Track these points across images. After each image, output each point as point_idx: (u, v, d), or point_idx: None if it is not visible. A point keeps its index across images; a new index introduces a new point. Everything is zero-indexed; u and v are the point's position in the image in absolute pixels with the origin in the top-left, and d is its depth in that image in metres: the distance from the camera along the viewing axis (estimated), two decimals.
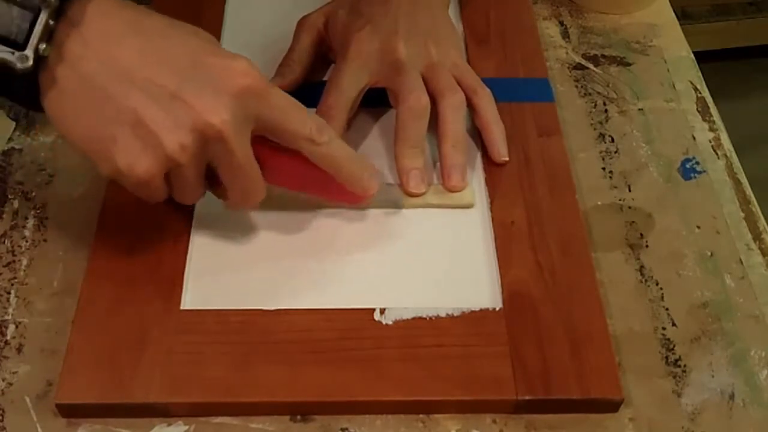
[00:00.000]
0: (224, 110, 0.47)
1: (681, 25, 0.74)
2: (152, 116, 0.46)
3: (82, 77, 0.46)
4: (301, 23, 0.65)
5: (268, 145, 0.51)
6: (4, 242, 0.57)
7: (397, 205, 0.58)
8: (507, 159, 0.60)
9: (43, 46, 0.44)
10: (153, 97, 0.46)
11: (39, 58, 0.45)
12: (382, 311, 0.52)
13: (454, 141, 0.59)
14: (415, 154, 0.58)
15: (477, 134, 0.62)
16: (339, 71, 0.60)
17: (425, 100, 0.58)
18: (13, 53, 0.44)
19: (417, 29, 0.61)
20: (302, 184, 0.55)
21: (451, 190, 0.58)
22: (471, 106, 0.61)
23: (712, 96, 0.68)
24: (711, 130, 0.66)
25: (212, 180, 0.51)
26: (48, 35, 0.45)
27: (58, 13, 0.45)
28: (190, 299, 0.53)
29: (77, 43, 0.46)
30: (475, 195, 0.59)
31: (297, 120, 0.50)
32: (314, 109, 0.60)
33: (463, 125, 0.59)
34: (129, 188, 0.49)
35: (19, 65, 0.44)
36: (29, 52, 0.44)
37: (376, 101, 0.63)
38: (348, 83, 0.60)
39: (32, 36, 0.44)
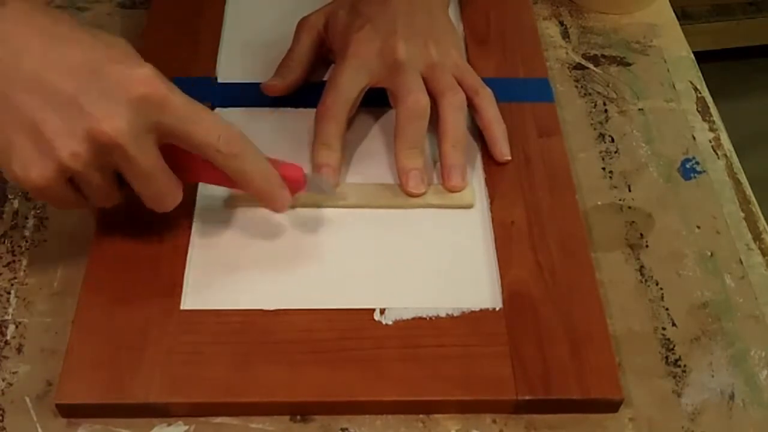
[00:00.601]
0: (119, 118, 0.46)
1: (681, 25, 0.74)
2: (47, 122, 0.46)
3: None
4: (301, 24, 0.65)
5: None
6: (4, 242, 0.57)
7: (396, 205, 0.58)
8: (509, 158, 0.60)
9: None
10: (50, 104, 0.46)
11: None
12: (382, 311, 0.52)
13: (455, 141, 0.59)
14: (414, 155, 0.58)
15: (477, 134, 0.62)
16: (338, 71, 0.60)
17: (425, 100, 0.58)
18: None
19: (416, 29, 0.61)
20: (223, 181, 0.53)
21: (451, 191, 0.58)
22: (472, 106, 0.61)
23: (712, 96, 0.68)
24: (711, 130, 0.66)
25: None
26: None
27: None
28: (190, 299, 0.53)
29: None
30: (475, 195, 0.59)
31: (203, 129, 0.49)
32: (314, 110, 0.61)
33: (463, 125, 0.59)
34: (31, 195, 0.48)
35: None
36: None
37: (376, 101, 0.63)
38: (347, 83, 0.60)
39: None
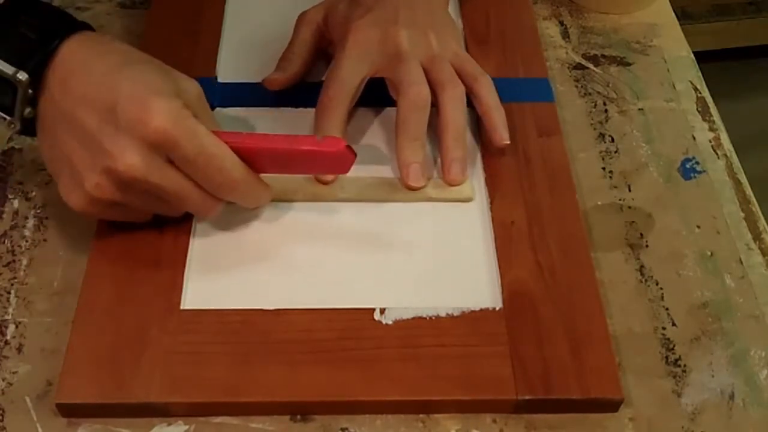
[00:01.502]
0: (133, 155, 0.48)
1: (681, 25, 0.74)
2: (77, 156, 0.50)
3: (47, 126, 0.52)
4: (301, 18, 0.65)
5: (233, 137, 0.51)
6: (4, 242, 0.57)
7: (395, 199, 0.58)
8: (508, 142, 0.60)
9: (27, 110, 0.51)
10: (79, 139, 0.49)
11: (24, 119, 0.51)
12: (382, 311, 0.52)
13: (455, 134, 0.59)
14: (415, 148, 0.58)
15: (477, 133, 0.62)
16: (339, 62, 0.60)
17: (426, 93, 0.58)
18: (5, 119, 0.52)
19: (417, 19, 0.61)
20: (280, 165, 0.54)
21: (451, 184, 0.59)
22: (472, 93, 0.61)
23: (712, 96, 0.68)
24: (711, 130, 0.66)
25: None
26: (29, 102, 0.51)
27: (34, 84, 0.50)
28: (190, 299, 0.53)
29: (47, 100, 0.51)
30: (475, 189, 0.59)
31: (207, 174, 0.50)
32: (312, 109, 0.61)
33: (463, 118, 0.59)
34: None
35: (12, 127, 0.52)
36: (16, 120, 0.51)
37: (376, 101, 0.63)
38: (348, 74, 0.60)
39: (16, 108, 0.51)
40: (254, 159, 0.52)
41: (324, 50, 0.65)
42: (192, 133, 0.49)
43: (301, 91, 0.63)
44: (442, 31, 0.62)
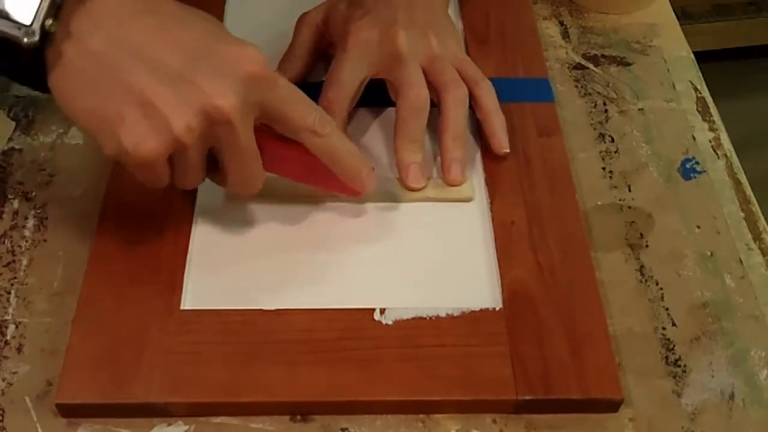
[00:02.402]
0: (232, 94, 0.47)
1: (681, 25, 0.74)
2: (161, 96, 0.46)
3: (90, 54, 0.45)
4: (301, 19, 0.65)
5: (268, 133, 0.52)
6: (4, 242, 0.57)
7: (395, 199, 0.58)
8: (508, 150, 0.60)
9: (49, 21, 0.44)
10: (161, 78, 0.46)
11: (45, 34, 0.44)
12: (382, 311, 0.52)
13: (456, 135, 0.59)
14: (414, 149, 0.58)
15: (477, 133, 0.62)
16: (339, 63, 0.60)
17: (425, 95, 0.58)
18: (19, 28, 0.44)
19: (416, 21, 0.61)
20: (300, 174, 0.55)
21: (451, 184, 0.59)
22: (472, 97, 0.61)
23: (712, 96, 0.68)
24: (711, 130, 0.66)
25: (212, 166, 0.51)
26: (54, 11, 0.44)
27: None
28: (190, 299, 0.53)
29: (84, 19, 0.45)
30: (475, 189, 0.59)
31: (301, 110, 0.51)
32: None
33: (465, 120, 0.59)
34: (132, 169, 0.48)
35: (25, 40, 0.44)
36: (36, 26, 0.44)
37: (376, 101, 0.63)
38: (348, 75, 0.60)
39: (39, 11, 0.44)
40: (277, 160, 0.53)
41: (324, 51, 0.65)
42: (279, 75, 0.50)
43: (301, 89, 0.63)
44: (442, 33, 0.62)
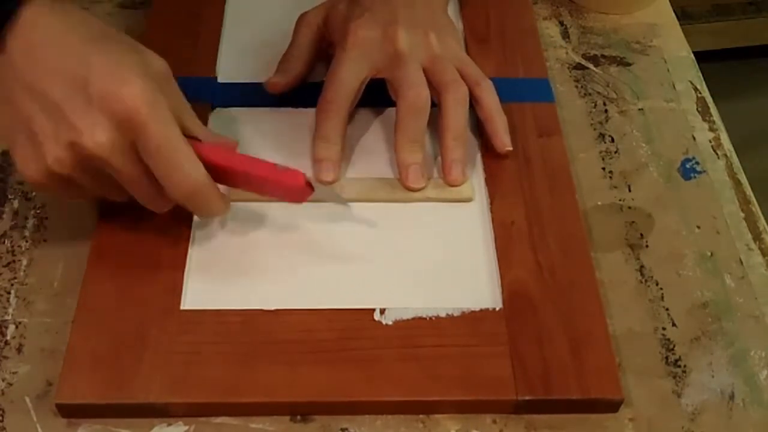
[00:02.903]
0: (102, 132, 0.47)
1: (681, 25, 0.74)
2: (39, 127, 0.47)
3: (3, 91, 0.48)
4: (301, 19, 0.65)
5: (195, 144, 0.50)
6: (4, 242, 0.57)
7: (395, 199, 0.58)
8: (510, 148, 0.60)
9: None
10: (44, 109, 0.47)
11: None
12: (382, 311, 0.52)
13: (456, 135, 0.59)
14: (414, 149, 0.58)
15: (477, 133, 0.62)
16: (338, 62, 0.60)
17: (425, 95, 0.58)
18: None
19: (417, 20, 0.61)
20: (238, 183, 0.53)
21: (452, 184, 0.59)
22: (473, 97, 0.60)
23: (712, 96, 0.68)
24: (711, 130, 0.66)
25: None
26: None
27: None
28: (190, 299, 0.53)
29: (5, 63, 0.48)
30: (474, 190, 0.59)
31: (170, 174, 0.49)
32: (314, 109, 0.60)
33: (465, 119, 0.59)
34: (33, 189, 0.52)
35: None
36: None
37: (376, 101, 0.62)
38: (348, 75, 0.59)
39: None
40: (216, 171, 0.51)
41: (325, 51, 0.65)
42: (162, 121, 0.48)
43: (301, 91, 0.63)
44: (443, 32, 0.62)
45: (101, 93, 0.47)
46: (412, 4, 0.62)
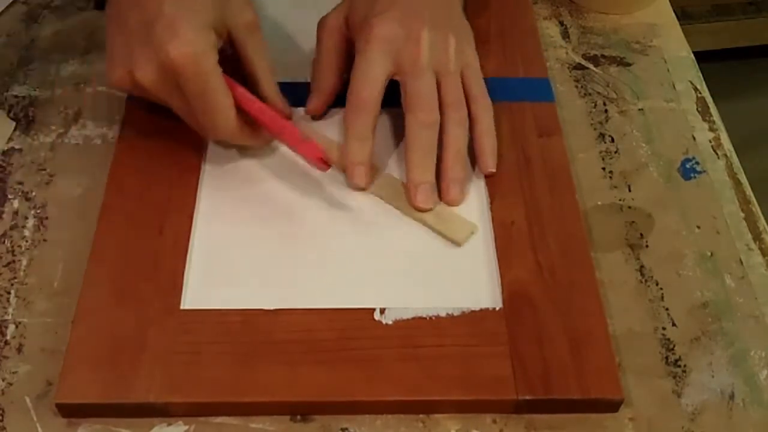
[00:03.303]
0: (149, 71, 0.53)
1: (681, 25, 0.74)
2: (114, 47, 0.56)
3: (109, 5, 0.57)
4: (321, 26, 0.63)
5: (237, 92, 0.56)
6: (4, 242, 0.57)
7: (396, 206, 0.58)
8: (494, 171, 0.59)
9: None
10: (121, 33, 0.55)
11: None
12: (382, 311, 0.52)
13: (455, 154, 0.58)
14: (426, 166, 0.57)
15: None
16: (364, 58, 0.58)
17: (436, 114, 0.58)
18: None
19: (439, 20, 0.60)
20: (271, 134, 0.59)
21: (450, 204, 0.58)
22: (470, 113, 0.60)
23: (712, 96, 0.68)
24: (711, 130, 0.66)
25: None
26: None
27: None
28: (190, 299, 0.53)
29: None
30: (472, 233, 0.57)
31: (206, 115, 0.55)
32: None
33: (465, 140, 0.59)
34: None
35: None
36: None
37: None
38: (376, 71, 0.58)
39: None
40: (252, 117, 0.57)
41: (350, 53, 0.62)
42: (200, 76, 0.53)
43: (301, 90, 0.63)
44: (460, 36, 0.61)
45: (156, 40, 0.52)
46: (434, 4, 0.61)
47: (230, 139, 0.57)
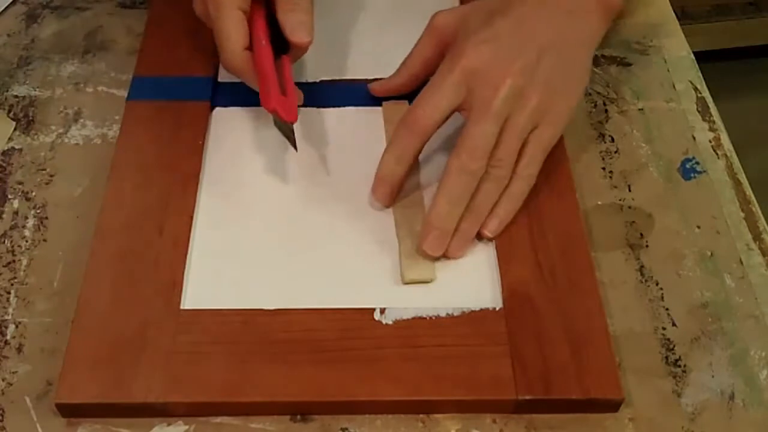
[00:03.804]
0: None
1: (681, 25, 0.74)
2: None
3: None
4: (431, 21, 0.60)
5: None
6: (4, 242, 0.57)
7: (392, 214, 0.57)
8: (490, 237, 0.56)
9: None
10: None
11: None
12: (382, 311, 0.52)
13: (476, 208, 0.55)
14: (451, 213, 0.54)
15: None
16: (440, 83, 0.55)
17: (480, 164, 0.54)
18: None
19: (540, 71, 0.55)
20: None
21: (446, 255, 0.55)
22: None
23: (712, 96, 0.68)
24: (711, 130, 0.66)
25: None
26: None
27: None
28: (190, 299, 0.53)
29: None
30: (421, 281, 0.54)
31: (219, 41, 0.58)
32: (313, 109, 0.60)
33: (493, 199, 0.55)
34: None
35: None
36: None
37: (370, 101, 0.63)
38: (445, 101, 0.55)
39: None
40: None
41: (443, 55, 0.59)
42: (217, 5, 0.57)
43: (301, 90, 0.63)
44: (556, 91, 0.56)
45: None
46: (548, 46, 0.56)
47: (233, 72, 0.59)
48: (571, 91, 0.58)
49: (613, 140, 0.64)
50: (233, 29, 0.57)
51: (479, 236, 0.56)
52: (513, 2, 0.57)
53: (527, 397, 0.49)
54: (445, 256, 0.55)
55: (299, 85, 0.64)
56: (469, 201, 0.55)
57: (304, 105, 0.63)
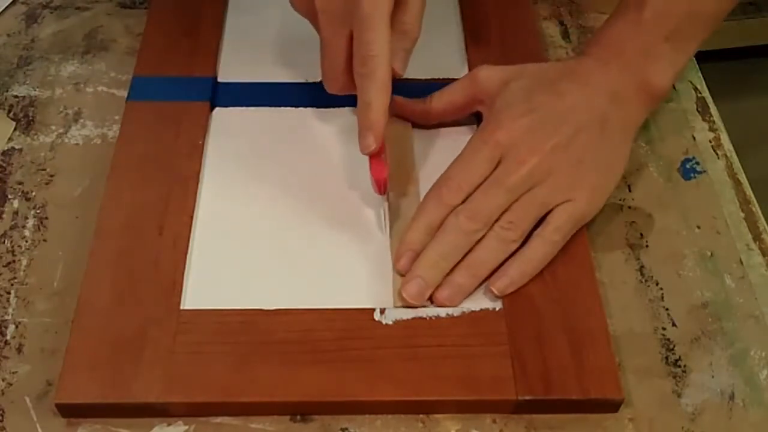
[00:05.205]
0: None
1: None
2: None
3: None
4: (476, 71, 0.60)
5: None
6: (4, 242, 0.57)
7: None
8: (498, 294, 0.53)
9: None
10: None
11: None
12: (382, 311, 0.52)
13: (473, 261, 0.53)
14: (437, 266, 0.53)
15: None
16: (476, 153, 0.54)
17: (478, 227, 0.53)
18: None
19: (573, 148, 0.54)
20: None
21: (434, 301, 0.53)
22: (529, 241, 0.54)
23: (712, 96, 0.68)
24: (711, 130, 0.66)
25: None
26: None
27: None
28: (190, 299, 0.53)
29: None
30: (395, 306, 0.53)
31: (362, 43, 0.53)
32: (313, 109, 0.60)
33: (495, 259, 0.53)
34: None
35: None
36: None
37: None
38: (478, 175, 0.54)
39: None
40: None
41: (470, 107, 0.60)
42: (374, 4, 0.51)
43: (301, 90, 0.63)
44: (589, 174, 0.55)
45: None
46: (585, 126, 0.55)
47: (372, 68, 0.53)
48: (608, 171, 0.57)
49: None
50: (383, 32, 0.52)
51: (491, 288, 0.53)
52: (556, 77, 0.57)
53: (527, 398, 0.49)
54: (434, 302, 0.53)
55: (299, 84, 0.64)
56: (468, 255, 0.53)
57: (307, 105, 0.63)
